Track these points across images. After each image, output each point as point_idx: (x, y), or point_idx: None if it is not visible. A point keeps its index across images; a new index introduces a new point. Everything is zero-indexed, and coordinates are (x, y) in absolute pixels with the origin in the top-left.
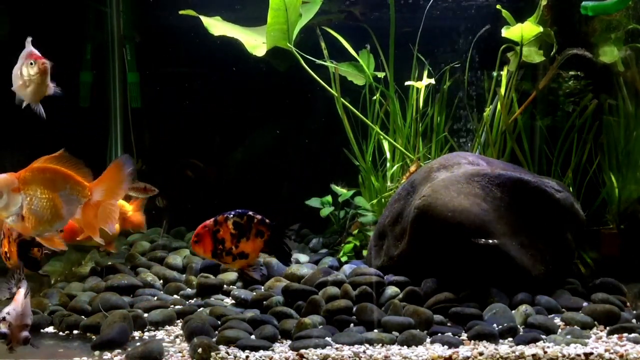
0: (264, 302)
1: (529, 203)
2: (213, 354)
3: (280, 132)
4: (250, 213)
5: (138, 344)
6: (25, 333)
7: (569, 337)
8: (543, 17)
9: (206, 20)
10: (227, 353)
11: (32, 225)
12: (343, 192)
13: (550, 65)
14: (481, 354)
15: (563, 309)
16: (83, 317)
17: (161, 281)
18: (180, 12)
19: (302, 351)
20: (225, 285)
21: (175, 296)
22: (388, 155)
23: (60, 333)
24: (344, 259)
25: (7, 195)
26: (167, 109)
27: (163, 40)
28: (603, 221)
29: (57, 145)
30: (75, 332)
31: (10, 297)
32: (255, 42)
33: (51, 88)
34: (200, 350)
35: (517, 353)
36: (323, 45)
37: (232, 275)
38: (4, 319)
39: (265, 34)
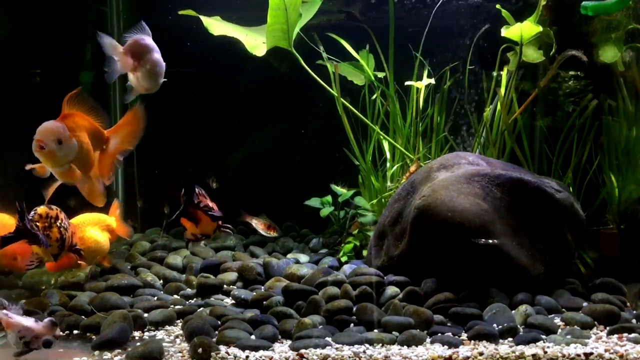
0: (264, 302)
1: (529, 203)
2: (213, 354)
3: (281, 132)
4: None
5: (138, 344)
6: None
7: (569, 337)
8: (542, 17)
9: (206, 20)
10: (227, 353)
11: (78, 172)
12: (343, 192)
13: (550, 65)
14: (481, 354)
15: (563, 309)
16: (83, 317)
17: (161, 281)
18: (180, 12)
19: (302, 351)
20: (225, 285)
21: (175, 296)
22: (388, 155)
23: (60, 333)
24: (344, 259)
25: (65, 142)
26: (167, 108)
27: (163, 40)
28: (603, 221)
29: None
30: (75, 332)
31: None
32: (255, 42)
33: None
34: (200, 350)
35: (517, 353)
36: (322, 48)
37: (232, 275)
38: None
39: (264, 34)
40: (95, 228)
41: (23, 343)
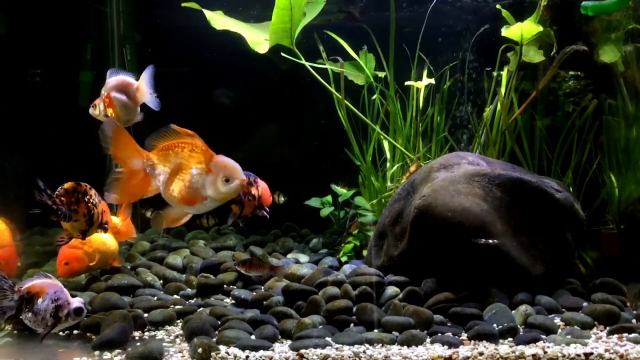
0: (264, 302)
1: (529, 203)
2: (213, 354)
3: (281, 132)
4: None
5: (138, 344)
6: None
7: (569, 337)
8: (542, 17)
9: (209, 14)
10: (227, 353)
11: None
12: (343, 192)
13: (550, 65)
14: (481, 354)
15: (563, 309)
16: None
17: (161, 281)
18: (183, 4)
19: (302, 351)
20: (225, 285)
21: (175, 296)
22: (388, 155)
23: (60, 333)
24: (344, 259)
25: None
26: (167, 108)
27: (163, 39)
28: (603, 221)
29: (57, 145)
30: (75, 332)
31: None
32: (257, 39)
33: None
34: (200, 350)
35: (517, 353)
36: (321, 48)
37: (232, 275)
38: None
39: (266, 31)
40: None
41: (54, 308)
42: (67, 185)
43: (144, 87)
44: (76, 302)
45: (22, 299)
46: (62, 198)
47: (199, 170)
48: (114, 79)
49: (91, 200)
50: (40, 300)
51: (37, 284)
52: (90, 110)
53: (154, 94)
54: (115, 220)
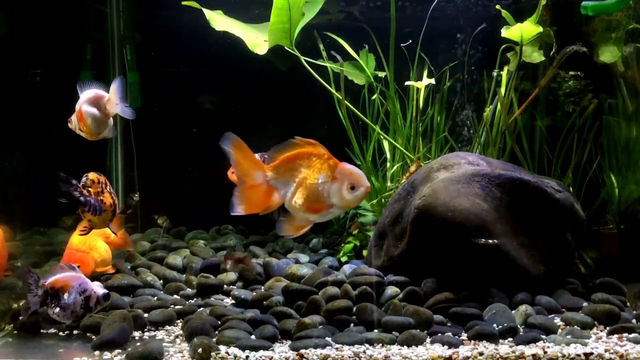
0: (264, 302)
1: (529, 203)
2: (213, 354)
3: (281, 132)
4: None
5: (138, 344)
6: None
7: (569, 337)
8: (542, 17)
9: (209, 14)
10: (227, 353)
11: None
12: None
13: (550, 65)
14: (481, 354)
15: (563, 309)
16: None
17: (161, 281)
18: (183, 2)
19: (302, 351)
20: (225, 285)
21: (175, 296)
22: (388, 155)
23: (60, 333)
24: (344, 259)
25: None
26: (167, 109)
27: (163, 39)
28: (603, 221)
29: (57, 145)
30: (75, 332)
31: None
32: (256, 40)
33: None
34: (200, 350)
35: (517, 353)
36: (322, 47)
37: (232, 275)
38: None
39: (266, 32)
40: (100, 239)
41: (83, 300)
42: (91, 175)
43: (113, 99)
44: (100, 288)
45: (47, 294)
46: (90, 188)
47: (324, 178)
48: (87, 92)
49: (111, 190)
50: (66, 295)
51: (59, 278)
52: (69, 125)
53: (124, 104)
54: (108, 230)
